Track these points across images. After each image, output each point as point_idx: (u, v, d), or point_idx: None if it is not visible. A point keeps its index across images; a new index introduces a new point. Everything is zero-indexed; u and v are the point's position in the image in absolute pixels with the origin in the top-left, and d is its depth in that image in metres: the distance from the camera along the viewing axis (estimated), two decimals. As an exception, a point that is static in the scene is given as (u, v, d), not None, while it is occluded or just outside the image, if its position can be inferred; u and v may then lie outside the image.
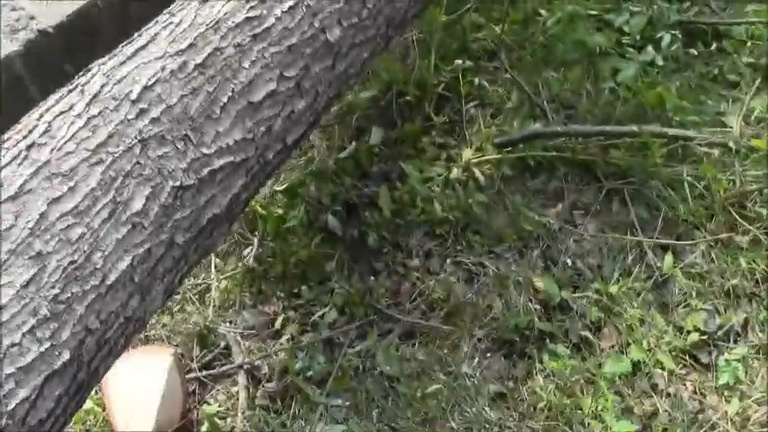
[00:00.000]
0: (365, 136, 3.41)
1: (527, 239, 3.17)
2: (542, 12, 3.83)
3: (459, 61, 3.52)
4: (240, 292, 3.17)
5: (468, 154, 3.31)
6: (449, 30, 3.67)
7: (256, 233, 3.28)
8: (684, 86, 3.62)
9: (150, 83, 1.93)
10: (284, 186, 3.26)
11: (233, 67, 2.05)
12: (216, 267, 3.25)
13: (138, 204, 1.81)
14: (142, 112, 1.89)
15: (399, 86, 3.52)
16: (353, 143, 3.31)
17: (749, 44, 3.79)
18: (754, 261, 3.00)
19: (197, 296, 3.20)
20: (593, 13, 3.84)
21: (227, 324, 3.08)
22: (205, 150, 1.95)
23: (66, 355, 1.65)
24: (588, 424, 2.67)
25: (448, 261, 3.13)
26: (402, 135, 3.45)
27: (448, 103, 3.56)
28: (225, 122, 2.00)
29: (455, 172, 3.26)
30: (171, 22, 2.10)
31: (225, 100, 2.00)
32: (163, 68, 1.97)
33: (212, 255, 3.26)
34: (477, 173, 3.26)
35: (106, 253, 1.74)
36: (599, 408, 2.69)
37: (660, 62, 3.65)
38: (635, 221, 3.17)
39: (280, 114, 2.14)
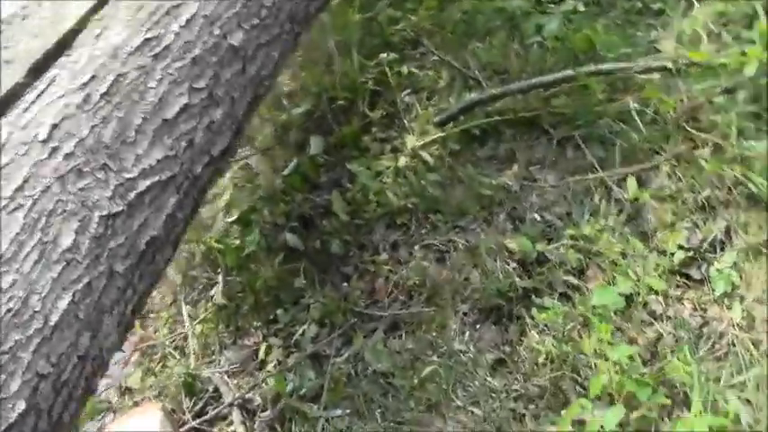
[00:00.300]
0: (306, 149, 3.33)
1: (490, 206, 3.10)
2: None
3: (384, 55, 3.47)
4: (217, 333, 3.10)
5: (411, 140, 3.25)
6: (366, 28, 3.63)
7: (219, 271, 3.20)
8: (611, 25, 3.58)
9: (57, 121, 1.89)
10: (236, 217, 3.17)
11: (139, 89, 2.01)
12: (189, 315, 3.17)
13: (67, 240, 1.76)
14: (54, 150, 1.85)
15: (329, 94, 3.46)
16: (295, 159, 3.23)
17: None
18: (720, 169, 2.92)
19: (176, 349, 3.12)
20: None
21: (212, 367, 2.99)
22: (127, 175, 1.91)
23: (21, 406, 1.57)
24: (595, 365, 2.58)
25: (416, 247, 3.07)
26: (342, 139, 3.40)
27: (381, 98, 3.51)
28: (143, 144, 1.96)
29: (402, 160, 3.20)
30: (69, 62, 2.07)
31: (138, 122, 1.97)
32: (67, 105, 1.93)
33: (183, 305, 3.20)
34: (425, 155, 3.20)
35: (43, 294, 1.67)
36: (601, 346, 2.60)
37: (582, 8, 3.61)
38: (593, 162, 3.10)
39: (198, 126, 2.10)
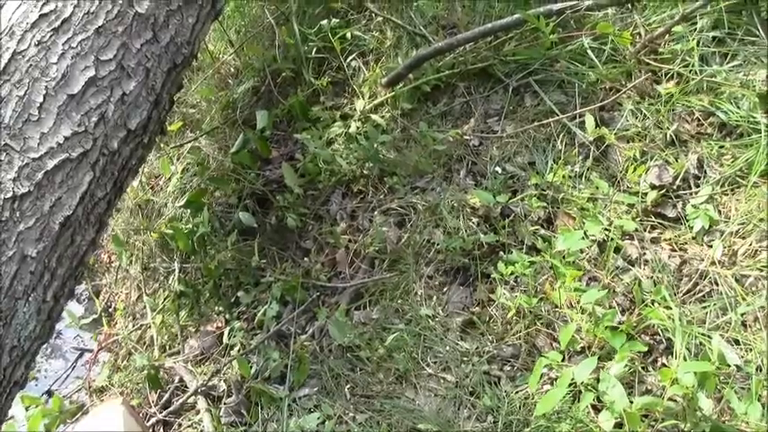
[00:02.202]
0: (254, 126, 3.20)
1: (449, 164, 2.97)
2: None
3: (325, 21, 3.32)
4: (178, 321, 2.97)
5: (361, 104, 3.12)
6: (304, -1, 3.50)
7: (175, 258, 3.08)
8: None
9: None
10: (186, 200, 3.05)
11: (40, 65, 1.90)
12: (150, 307, 3.06)
13: None
14: None
15: (273, 67, 3.33)
16: (242, 135, 3.10)
17: None
18: (687, 101, 2.79)
19: (140, 343, 3.01)
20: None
21: (177, 357, 2.88)
22: (33, 155, 1.81)
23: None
24: (571, 318, 2.45)
25: (375, 213, 2.94)
26: (290, 112, 3.26)
27: (327, 66, 3.38)
28: (48, 122, 1.86)
29: (354, 126, 3.07)
30: None
31: (40, 100, 1.87)
32: None
33: (145, 295, 3.09)
34: (376, 118, 3.07)
35: (-54, 286, 1.56)
36: (572, 296, 2.48)
37: (524, -49, 3.45)
38: (553, 107, 2.96)
39: (109, 100, 1.99)
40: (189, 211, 3.08)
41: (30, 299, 1.75)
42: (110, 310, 3.42)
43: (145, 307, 3.19)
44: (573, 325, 2.32)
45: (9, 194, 1.73)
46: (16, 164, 1.77)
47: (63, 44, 1.94)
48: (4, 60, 1.87)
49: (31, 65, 1.89)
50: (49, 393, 3.17)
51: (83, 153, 1.89)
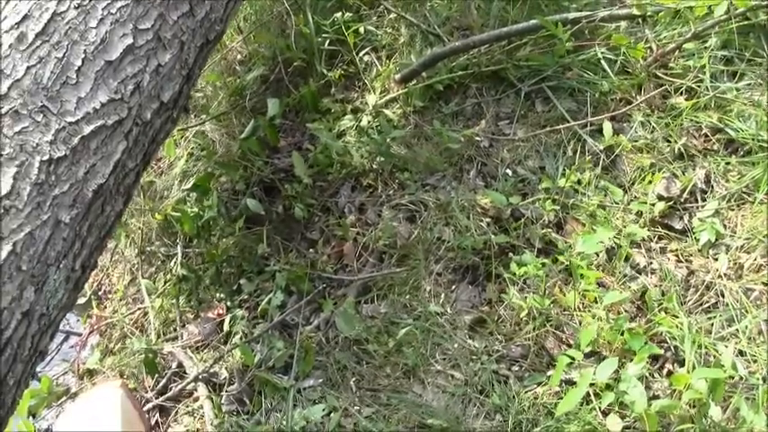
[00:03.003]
0: (264, 114, 3.17)
1: (460, 163, 2.97)
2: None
3: (339, 14, 3.31)
4: (178, 307, 2.94)
5: (373, 99, 3.11)
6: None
7: (177, 242, 3.04)
8: (573, -25, 3.45)
9: None
10: (192, 184, 3.01)
11: (79, 29, 1.85)
12: (147, 291, 3.01)
13: (5, 186, 1.61)
14: None
15: (284, 56, 3.30)
16: (252, 121, 3.07)
17: None
18: (696, 116, 2.82)
19: (136, 327, 2.96)
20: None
21: (174, 343, 2.83)
22: (70, 118, 1.76)
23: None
24: (580, 321, 2.46)
25: (384, 208, 2.92)
26: (301, 101, 3.25)
27: (339, 58, 3.36)
28: (85, 86, 1.81)
29: (365, 119, 3.06)
30: (1, 3, 1.90)
31: (79, 63, 1.81)
32: None
33: (141, 279, 3.04)
34: (388, 113, 3.07)
35: (-20, 244, 1.52)
36: (585, 299, 2.48)
37: (544, -41, 3.47)
38: (564, 114, 2.97)
39: (145, 70, 1.95)
40: (194, 195, 3.03)
41: (60, 266, 1.70)
42: (99, 293, 3.36)
43: (138, 291, 3.14)
44: (594, 326, 2.32)
45: (46, 157, 1.68)
46: (53, 126, 1.72)
47: (102, 9, 1.90)
48: (43, 21, 1.83)
49: (70, 27, 1.84)
50: (33, 375, 3.10)
51: (118, 121, 1.85)
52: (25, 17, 1.83)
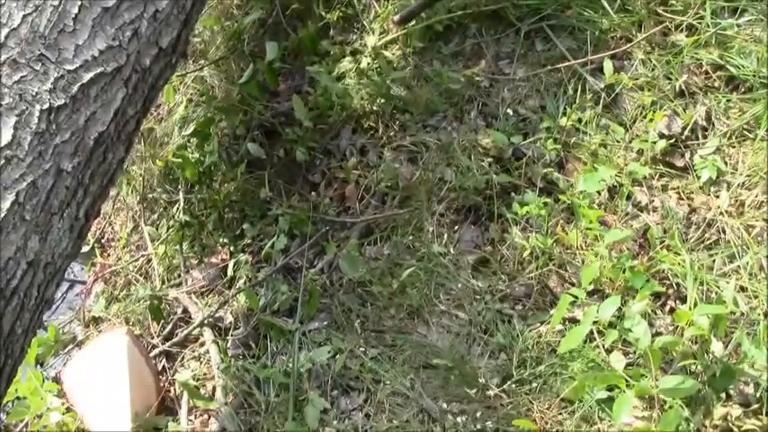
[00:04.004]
0: (263, 58, 3.15)
1: (460, 103, 2.95)
2: None
3: (336, -45, 3.27)
4: (182, 253, 2.95)
5: (372, 40, 3.08)
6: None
7: (179, 188, 3.04)
8: None
9: None
10: (192, 129, 3.00)
11: (75, -25, 1.82)
12: (150, 236, 3.02)
13: (5, 136, 1.61)
14: None
15: (282, -1, 3.28)
16: (251, 65, 3.05)
17: None
18: (696, 53, 2.80)
19: (140, 273, 2.98)
20: None
21: (179, 289, 2.85)
22: (68, 66, 1.75)
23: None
24: (582, 260, 2.47)
25: (385, 150, 2.91)
26: (299, 44, 3.21)
27: (337, 0, 3.32)
28: (82, 33, 1.80)
29: (365, 61, 3.03)
30: None
31: (75, 11, 1.80)
32: None
33: (143, 225, 3.05)
34: (387, 54, 3.04)
35: (-18, 194, 1.52)
36: (587, 237, 2.49)
37: None
38: (564, 53, 2.95)
39: (143, 16, 1.93)
40: (194, 140, 3.03)
41: (64, 215, 1.71)
42: (102, 240, 3.37)
43: (141, 238, 3.15)
44: (596, 264, 2.33)
45: (46, 105, 1.69)
46: (52, 75, 1.72)
47: (97, -44, 1.88)
48: (38, -33, 1.81)
49: (65, -26, 1.83)
50: (40, 324, 3.11)
51: (117, 68, 1.84)
52: (21, -34, 1.82)
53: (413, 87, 2.99)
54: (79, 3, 1.81)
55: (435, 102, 2.94)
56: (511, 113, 2.88)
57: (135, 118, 1.94)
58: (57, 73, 1.73)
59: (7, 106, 1.63)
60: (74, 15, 1.79)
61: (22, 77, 1.68)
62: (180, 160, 2.96)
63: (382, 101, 2.98)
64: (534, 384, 2.32)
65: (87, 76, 1.77)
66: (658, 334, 2.29)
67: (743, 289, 2.35)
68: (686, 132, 2.70)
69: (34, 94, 1.68)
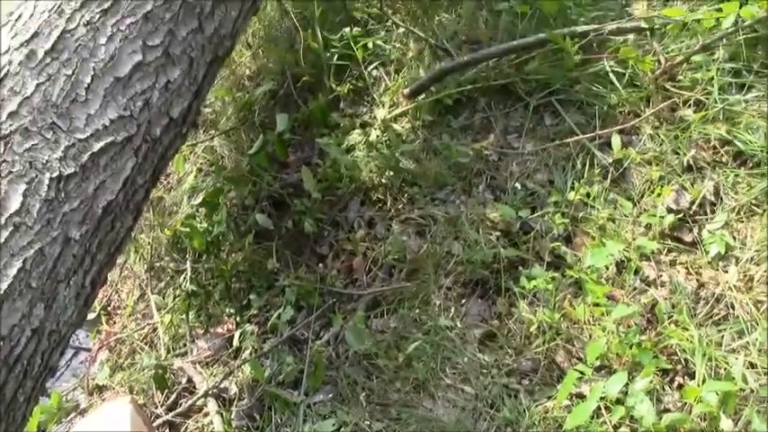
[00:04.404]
0: (273, 129, 3.18)
1: (469, 177, 2.97)
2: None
3: (348, 29, 3.31)
4: (188, 322, 2.95)
5: (382, 113, 3.11)
6: (328, 4, 3.48)
7: (187, 257, 3.05)
8: (580, -10, 3.45)
9: None
10: (201, 199, 3.02)
11: (88, 46, 1.87)
12: (157, 305, 3.02)
13: (14, 204, 1.62)
14: None
15: (293, 71, 3.31)
16: (261, 136, 3.08)
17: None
18: (704, 128, 2.81)
19: (145, 342, 2.97)
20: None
21: (183, 358, 2.84)
22: (79, 135, 1.77)
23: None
24: (590, 335, 2.45)
25: (393, 222, 2.92)
26: (310, 116, 3.25)
27: (347, 73, 3.36)
28: (94, 103, 1.83)
29: (374, 134, 3.06)
30: (10, 20, 1.93)
31: (88, 80, 1.83)
32: (10, 62, 1.80)
33: (150, 294, 3.05)
34: (397, 127, 3.07)
35: (-10, 260, 1.53)
36: (594, 312, 2.48)
37: (550, -27, 3.46)
38: (572, 128, 2.97)
39: (155, 86, 1.96)
40: (203, 210, 3.04)
41: (70, 283, 1.72)
42: (108, 308, 3.36)
43: (147, 306, 3.15)
44: (602, 340, 2.31)
45: (55, 174, 1.70)
46: (63, 143, 1.74)
47: (112, 26, 1.92)
48: (53, 38, 1.85)
49: (79, 44, 1.86)
50: (43, 391, 3.10)
51: (127, 138, 1.87)
52: (35, 35, 1.85)
53: (422, 160, 3.01)
54: (92, 72, 1.84)
55: (444, 175, 2.96)
56: (519, 187, 2.89)
57: (144, 187, 1.96)
58: (67, 141, 1.75)
59: (17, 174, 1.64)
60: (86, 85, 1.82)
61: (33, 145, 1.70)
62: (188, 229, 2.97)
63: (391, 173, 3.00)
64: (541, 460, 2.30)
65: (98, 146, 1.79)
66: (667, 410, 2.26)
67: (752, 365, 2.31)
68: (694, 207, 2.69)
69: (44, 162, 1.69)
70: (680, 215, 2.68)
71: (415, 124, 3.13)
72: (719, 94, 2.85)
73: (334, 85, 3.29)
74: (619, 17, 3.22)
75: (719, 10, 2.86)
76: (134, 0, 1.98)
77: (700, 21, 2.95)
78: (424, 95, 3.16)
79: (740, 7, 2.77)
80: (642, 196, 2.77)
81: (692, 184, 2.74)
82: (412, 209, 2.93)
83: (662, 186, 2.73)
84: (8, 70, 1.77)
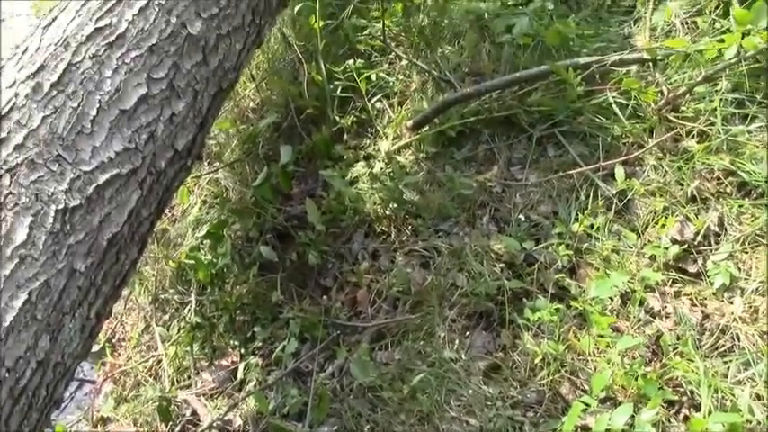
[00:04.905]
0: (276, 161, 3.19)
1: (473, 209, 2.97)
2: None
3: (351, 62, 3.33)
4: (192, 354, 2.94)
5: (385, 145, 3.12)
6: (331, 37, 3.51)
7: (191, 289, 3.05)
8: (582, 22, 3.46)
9: (5, 111, 1.77)
10: (206, 232, 3.02)
11: (94, 78, 1.88)
12: (162, 337, 3.02)
13: (21, 236, 1.62)
14: (3, 141, 1.73)
15: (297, 103, 3.33)
16: (265, 169, 3.09)
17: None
18: (707, 159, 2.82)
19: (150, 374, 2.96)
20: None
21: (188, 390, 2.83)
22: (85, 168, 1.78)
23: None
24: (595, 366, 2.45)
25: (397, 254, 2.92)
26: (313, 148, 3.26)
27: (351, 105, 3.38)
28: (100, 135, 1.84)
29: (378, 166, 3.07)
30: (17, 53, 1.95)
31: (94, 113, 1.85)
32: (16, 95, 1.81)
33: (155, 326, 3.05)
34: (401, 159, 3.08)
35: (-4, 292, 1.53)
36: (599, 344, 2.47)
37: (551, 5, 3.47)
38: (576, 159, 2.98)
39: (159, 119, 1.97)
40: (208, 242, 3.05)
41: (76, 315, 1.72)
42: (113, 340, 3.36)
43: (152, 338, 3.14)
44: (607, 371, 2.30)
45: (61, 206, 1.71)
46: (68, 176, 1.75)
47: (117, 59, 1.94)
48: (59, 71, 1.86)
49: (85, 77, 1.88)
50: (47, 423, 3.09)
51: (132, 170, 1.88)
52: (41, 67, 1.87)
53: (425, 192, 3.01)
54: (97, 105, 1.86)
55: (448, 207, 2.96)
56: (523, 219, 2.89)
57: (149, 219, 1.97)
58: (73, 174, 1.76)
59: (23, 206, 1.65)
60: (92, 117, 1.84)
61: (39, 178, 1.71)
62: (193, 262, 2.98)
63: (395, 205, 3.00)
64: (546, 494, 2.28)
65: (103, 178, 1.80)
66: (672, 443, 2.26)
67: (758, 397, 2.31)
68: (699, 238, 2.69)
69: (50, 194, 1.70)
70: (684, 246, 2.68)
71: (419, 156, 3.14)
72: (723, 124, 2.85)
73: (337, 117, 3.30)
74: (621, 48, 3.24)
75: (722, 41, 2.87)
76: (139, 33, 2.00)
77: (702, 52, 2.97)
78: (427, 127, 3.17)
79: (742, 38, 2.78)
80: (646, 227, 2.77)
81: (697, 215, 2.74)
82: (416, 241, 2.93)
83: (666, 217, 2.74)
84: (14, 103, 1.78)
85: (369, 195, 3.02)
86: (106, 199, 1.80)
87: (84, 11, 1.99)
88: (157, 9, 2.06)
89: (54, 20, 1.99)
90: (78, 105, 1.83)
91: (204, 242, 3.09)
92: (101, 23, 1.98)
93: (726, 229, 2.71)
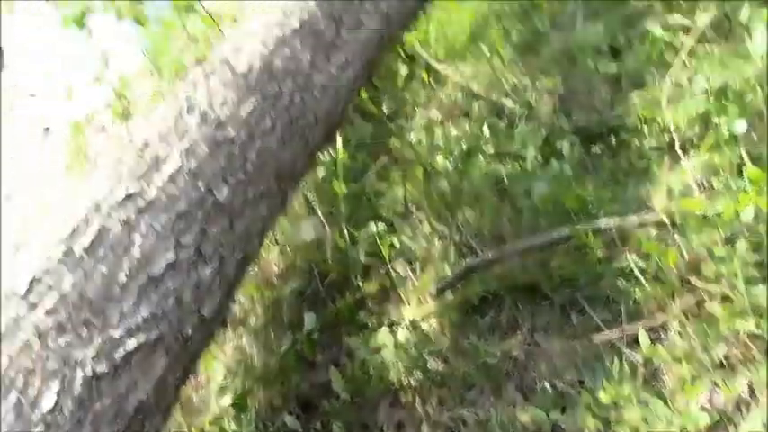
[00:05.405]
0: (300, 327, 3.19)
1: (498, 377, 2.93)
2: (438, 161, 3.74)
3: (373, 225, 3.37)
4: None
5: (409, 312, 3.12)
6: (354, 202, 3.57)
7: (213, 459, 3.01)
8: (599, 185, 3.51)
9: (38, 275, 1.80)
10: (231, 402, 3.00)
11: (124, 243, 1.91)
12: None
13: (48, 402, 1.63)
14: (33, 305, 1.75)
15: (320, 269, 3.36)
16: (291, 336, 3.09)
17: (646, 130, 3.73)
18: (732, 322, 2.79)
19: None
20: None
21: None
22: (113, 333, 1.79)
23: None
24: None
25: (423, 425, 2.87)
26: (337, 315, 3.26)
27: (374, 270, 3.40)
28: (128, 301, 1.85)
29: (402, 334, 3.06)
30: (48, 215, 1.99)
31: (123, 279, 1.87)
32: (48, 259, 1.84)
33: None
34: (424, 326, 3.07)
35: (22, 460, 1.52)
36: None
37: (569, 171, 3.53)
38: (600, 325, 2.96)
39: (186, 284, 1.99)
40: (231, 410, 3.02)
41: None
42: None
43: None
44: None
45: (89, 372, 1.71)
46: (96, 341, 1.76)
47: (146, 225, 1.98)
48: (90, 236, 1.90)
49: (115, 242, 1.91)
50: None
51: (159, 336, 1.89)
52: (74, 232, 1.90)
53: (449, 360, 2.99)
54: (127, 271, 1.88)
55: (472, 375, 2.94)
56: (548, 387, 2.85)
57: (174, 387, 1.96)
58: (101, 339, 1.76)
59: (51, 371, 1.65)
60: (121, 282, 1.85)
61: (67, 342, 1.72)
62: (216, 431, 2.93)
63: (419, 374, 2.97)
64: None
65: (130, 344, 1.81)
66: None
67: None
68: (729, 407, 2.64)
69: (78, 359, 1.70)
70: (714, 414, 2.62)
71: (442, 323, 3.13)
72: (745, 286, 2.84)
73: (360, 284, 3.32)
74: (639, 209, 3.26)
75: (739, 202, 2.89)
76: (168, 199, 2.04)
77: (719, 214, 2.98)
78: (450, 293, 3.18)
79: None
80: (675, 395, 2.72)
81: (725, 382, 2.69)
82: (441, 410, 2.89)
83: (695, 385, 2.69)
84: (47, 267, 1.81)
85: (393, 363, 2.99)
86: (133, 365, 1.80)
87: (115, 176, 2.05)
88: (186, 175, 2.12)
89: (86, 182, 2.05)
90: (108, 270, 1.85)
91: (228, 410, 3.06)
92: (132, 189, 2.04)
93: (756, 397, 2.66)
